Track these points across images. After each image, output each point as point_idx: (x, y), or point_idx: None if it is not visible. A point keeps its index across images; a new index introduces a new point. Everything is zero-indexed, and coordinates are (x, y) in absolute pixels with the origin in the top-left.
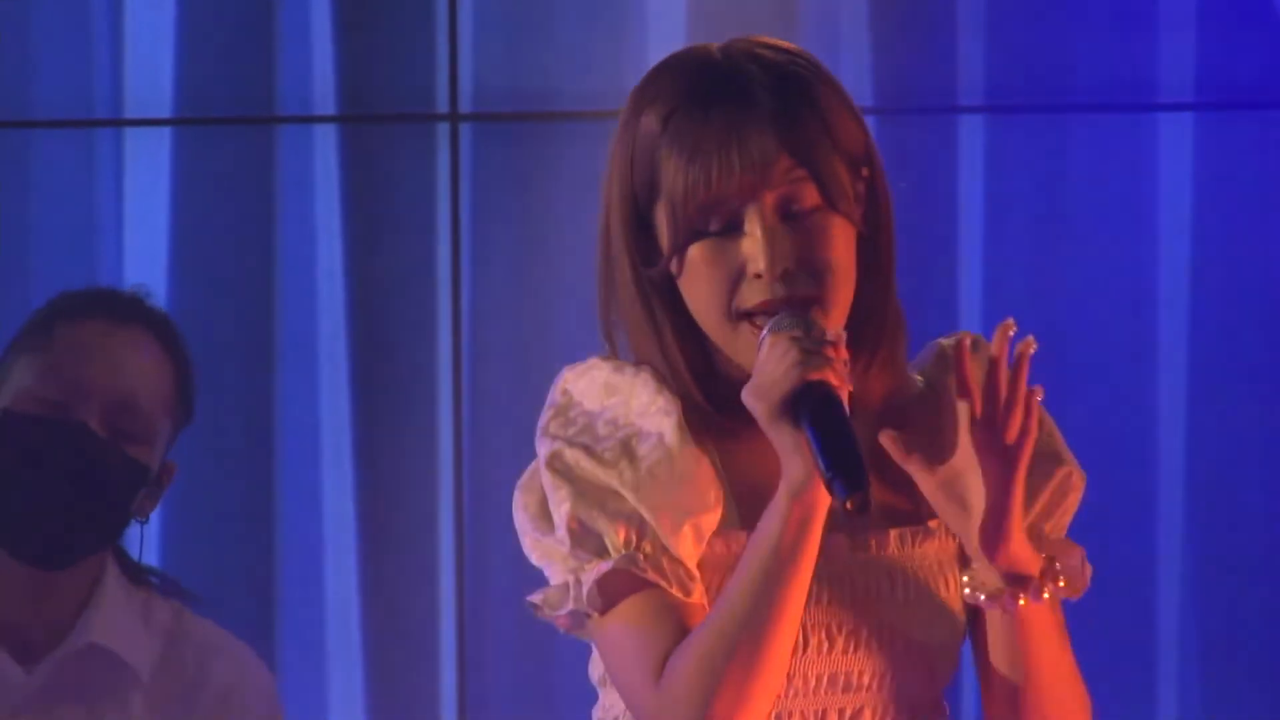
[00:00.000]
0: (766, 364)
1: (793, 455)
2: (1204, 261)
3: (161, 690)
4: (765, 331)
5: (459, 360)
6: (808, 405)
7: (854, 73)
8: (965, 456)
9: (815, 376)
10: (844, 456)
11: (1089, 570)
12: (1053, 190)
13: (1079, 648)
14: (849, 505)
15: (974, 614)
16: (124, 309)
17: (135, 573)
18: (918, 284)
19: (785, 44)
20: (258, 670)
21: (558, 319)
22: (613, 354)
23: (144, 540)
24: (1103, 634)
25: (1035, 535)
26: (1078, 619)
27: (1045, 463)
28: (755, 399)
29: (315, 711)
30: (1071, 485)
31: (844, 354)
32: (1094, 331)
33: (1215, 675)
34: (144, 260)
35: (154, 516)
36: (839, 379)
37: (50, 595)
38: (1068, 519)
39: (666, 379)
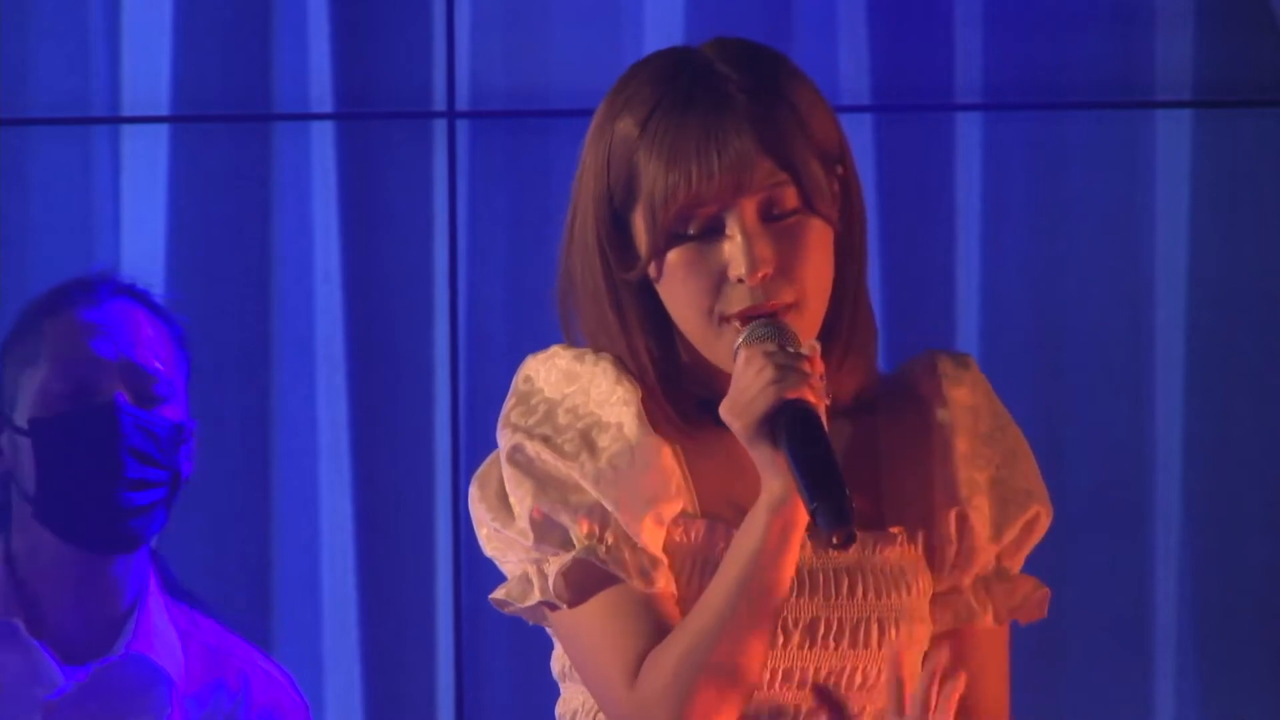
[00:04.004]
0: (742, 379)
1: (772, 472)
2: (1201, 259)
3: (199, 707)
4: (739, 342)
5: (456, 357)
6: (785, 425)
7: (851, 70)
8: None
9: (792, 395)
10: (828, 488)
11: (1044, 592)
12: (1050, 188)
13: (1077, 646)
14: (835, 540)
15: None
16: (99, 289)
17: (177, 588)
18: (915, 282)
19: (754, 43)
20: (294, 695)
21: (554, 316)
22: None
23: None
24: (1100, 633)
25: (998, 569)
26: (1076, 619)
27: (1020, 497)
28: (733, 417)
29: (313, 710)
30: (1039, 525)
31: (820, 368)
32: (1091, 328)
33: (1212, 674)
34: (141, 258)
35: None
36: (816, 395)
37: (97, 600)
38: (1026, 553)
39: (628, 366)
